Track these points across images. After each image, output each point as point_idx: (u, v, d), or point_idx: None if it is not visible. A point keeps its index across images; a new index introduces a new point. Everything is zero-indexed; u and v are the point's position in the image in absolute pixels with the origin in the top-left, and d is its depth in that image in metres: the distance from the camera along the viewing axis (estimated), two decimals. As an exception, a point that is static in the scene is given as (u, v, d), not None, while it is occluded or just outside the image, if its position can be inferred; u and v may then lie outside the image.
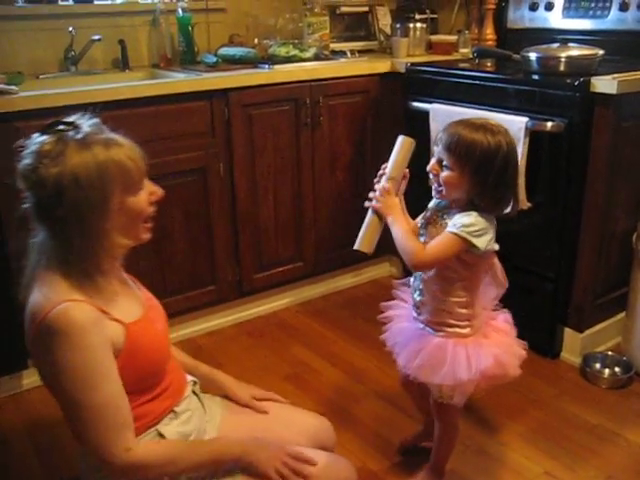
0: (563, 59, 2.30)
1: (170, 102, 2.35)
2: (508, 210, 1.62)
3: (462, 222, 1.52)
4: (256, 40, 2.91)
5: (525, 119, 2.27)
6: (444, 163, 1.53)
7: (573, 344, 2.49)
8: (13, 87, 2.09)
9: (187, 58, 2.82)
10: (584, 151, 2.27)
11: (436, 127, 2.60)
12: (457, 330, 1.65)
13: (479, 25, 3.06)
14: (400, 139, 1.63)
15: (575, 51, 2.31)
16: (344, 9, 3.08)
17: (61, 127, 1.21)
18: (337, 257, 3.02)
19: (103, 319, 1.21)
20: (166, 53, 2.84)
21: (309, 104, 2.69)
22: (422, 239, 1.64)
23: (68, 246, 1.19)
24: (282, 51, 2.70)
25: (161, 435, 1.31)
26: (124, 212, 1.23)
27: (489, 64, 2.67)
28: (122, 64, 2.78)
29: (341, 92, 2.79)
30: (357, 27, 3.18)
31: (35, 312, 1.18)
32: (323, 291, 3.08)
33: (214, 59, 2.62)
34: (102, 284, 1.24)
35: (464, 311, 1.65)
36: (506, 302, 2.48)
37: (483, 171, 1.49)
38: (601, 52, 2.32)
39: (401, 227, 1.57)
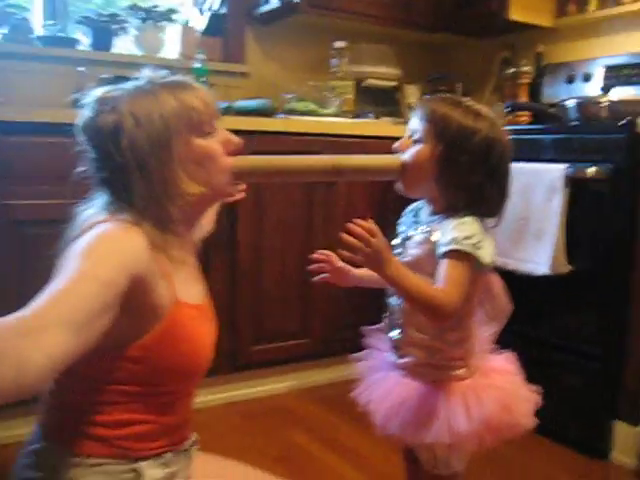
0: (605, 104, 2.08)
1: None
2: (492, 223, 1.27)
3: (462, 234, 1.17)
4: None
5: (564, 166, 2.03)
6: (415, 137, 1.24)
7: (626, 441, 2.04)
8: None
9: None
10: (632, 201, 1.98)
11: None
12: (450, 372, 1.27)
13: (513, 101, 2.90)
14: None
15: (617, 95, 2.10)
16: (370, 82, 2.96)
17: (122, 80, 1.11)
18: (350, 338, 2.65)
19: (156, 266, 1.00)
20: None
21: (326, 160, 2.49)
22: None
23: (130, 197, 1.02)
24: (300, 106, 2.54)
25: (139, 473, 1.02)
26: (191, 156, 1.06)
27: (523, 119, 2.46)
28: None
29: (362, 152, 2.58)
30: (383, 102, 3.04)
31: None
32: (332, 377, 2.68)
33: (225, 104, 2.46)
34: (169, 243, 1.04)
35: (458, 347, 1.28)
36: (541, 388, 2.11)
37: (457, 151, 1.20)
38: (647, 99, 2.10)
39: (410, 278, 1.15)
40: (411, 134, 1.26)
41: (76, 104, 2.51)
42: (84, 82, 2.53)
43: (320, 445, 2.17)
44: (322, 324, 2.61)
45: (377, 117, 2.74)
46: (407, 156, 1.24)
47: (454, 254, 1.16)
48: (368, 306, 2.80)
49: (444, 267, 1.17)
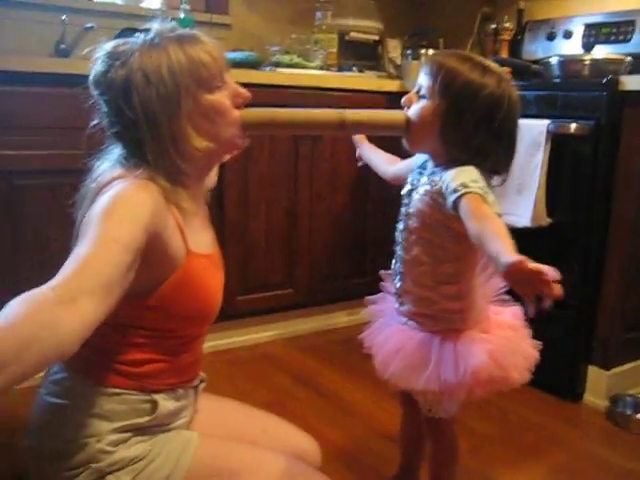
0: (587, 62, 2.13)
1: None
2: (498, 182, 1.27)
3: (469, 178, 1.15)
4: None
5: (546, 122, 2.08)
6: (421, 92, 1.25)
7: (598, 384, 2.16)
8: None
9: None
10: (611, 158, 2.05)
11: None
12: (446, 325, 1.31)
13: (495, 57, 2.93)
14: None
15: (599, 54, 2.15)
16: (353, 35, 2.96)
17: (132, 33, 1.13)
18: (333, 289, 2.73)
19: (170, 220, 1.05)
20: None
21: (311, 113, 2.51)
22: (403, 210, 1.34)
23: (142, 152, 1.06)
24: (286, 58, 2.54)
25: (154, 403, 1.11)
26: (200, 111, 1.09)
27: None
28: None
29: (347, 106, 2.61)
30: (366, 56, 3.05)
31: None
32: (316, 326, 2.76)
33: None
34: (180, 196, 1.08)
35: (455, 301, 1.31)
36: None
37: (461, 107, 1.19)
38: (629, 59, 2.15)
39: (504, 246, 1.06)
40: (418, 89, 1.26)
41: (61, 53, 2.49)
42: (67, 31, 2.51)
43: (307, 390, 2.24)
44: (306, 275, 2.66)
45: (360, 71, 2.76)
46: (411, 112, 1.25)
47: (469, 196, 1.13)
48: (350, 258, 2.87)
49: (469, 206, 1.12)
